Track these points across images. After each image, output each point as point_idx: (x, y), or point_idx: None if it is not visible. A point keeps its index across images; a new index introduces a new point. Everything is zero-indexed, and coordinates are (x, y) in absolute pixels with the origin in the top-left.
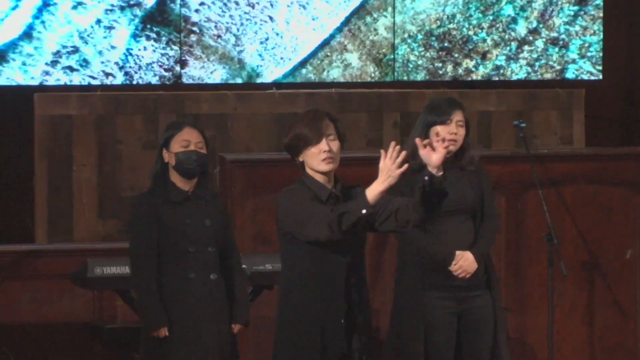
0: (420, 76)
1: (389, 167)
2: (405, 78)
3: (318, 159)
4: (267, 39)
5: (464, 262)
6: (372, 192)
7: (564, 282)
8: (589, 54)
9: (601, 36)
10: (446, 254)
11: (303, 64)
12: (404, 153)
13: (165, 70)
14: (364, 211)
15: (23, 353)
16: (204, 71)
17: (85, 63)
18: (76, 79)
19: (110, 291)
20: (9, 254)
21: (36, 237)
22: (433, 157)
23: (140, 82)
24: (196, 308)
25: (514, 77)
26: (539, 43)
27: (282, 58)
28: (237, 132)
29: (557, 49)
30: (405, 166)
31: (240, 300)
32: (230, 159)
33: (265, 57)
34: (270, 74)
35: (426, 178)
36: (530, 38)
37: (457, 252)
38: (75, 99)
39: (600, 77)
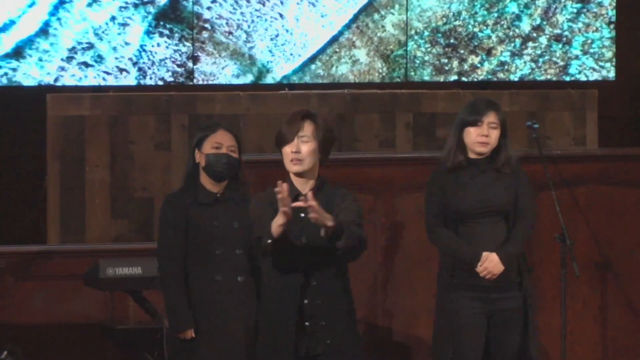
0: (427, 72)
1: (312, 212)
2: (412, 73)
3: (287, 159)
4: (277, 36)
5: (489, 263)
6: (273, 225)
7: (577, 282)
8: (591, 51)
9: (604, 33)
10: (472, 255)
11: (312, 60)
12: (284, 187)
13: (178, 66)
14: (269, 241)
15: (35, 353)
16: (215, 67)
17: (99, 59)
18: (91, 75)
19: (122, 292)
20: (21, 255)
21: (48, 237)
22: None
23: (154, 77)
24: (223, 310)
25: (518, 73)
26: (543, 40)
27: (291, 54)
28: (249, 133)
29: (560, 46)
30: (297, 204)
31: None
32: (242, 160)
33: (276, 53)
34: (280, 69)
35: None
36: (534, 35)
37: (483, 254)
38: (87, 100)
39: (604, 73)
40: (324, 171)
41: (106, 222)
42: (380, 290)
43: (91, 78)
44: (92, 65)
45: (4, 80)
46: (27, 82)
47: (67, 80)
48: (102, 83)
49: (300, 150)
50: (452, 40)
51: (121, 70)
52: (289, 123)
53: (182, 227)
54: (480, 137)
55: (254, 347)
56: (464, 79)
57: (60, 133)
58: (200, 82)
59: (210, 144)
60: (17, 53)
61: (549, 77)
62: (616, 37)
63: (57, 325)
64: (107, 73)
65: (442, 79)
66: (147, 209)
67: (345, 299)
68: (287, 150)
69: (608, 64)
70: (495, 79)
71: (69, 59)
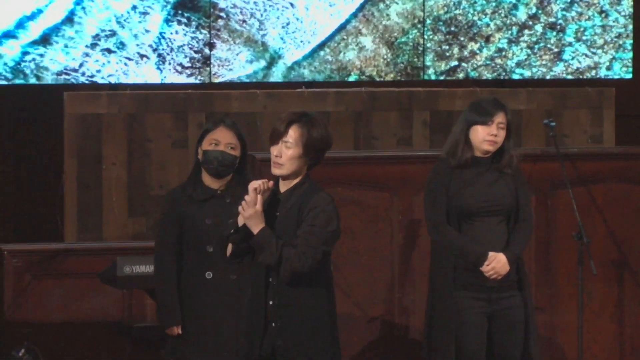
0: (429, 58)
1: (244, 207)
2: (415, 60)
3: (271, 160)
4: (288, 24)
5: (497, 263)
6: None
7: (594, 281)
8: (584, 38)
9: (596, 21)
10: (479, 254)
11: (321, 46)
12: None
13: (195, 52)
14: (231, 231)
15: (52, 351)
16: (230, 53)
17: (121, 45)
18: (113, 60)
19: (139, 290)
20: (38, 253)
21: (66, 235)
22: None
23: (172, 62)
24: (213, 308)
25: (515, 59)
26: (538, 28)
27: (301, 41)
28: (266, 131)
29: (554, 33)
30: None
31: None
32: (259, 158)
33: (287, 40)
34: (291, 55)
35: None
36: (530, 23)
37: (490, 253)
38: (105, 98)
39: (595, 59)
40: (339, 169)
41: (123, 220)
42: (397, 288)
43: (114, 63)
44: (114, 52)
45: (32, 66)
46: (54, 67)
47: (91, 65)
48: (124, 68)
49: (282, 155)
50: (452, 28)
51: (142, 56)
52: (278, 124)
53: (177, 223)
54: (490, 136)
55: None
56: (464, 64)
57: (77, 131)
58: (216, 68)
59: (208, 140)
60: (44, 40)
61: (544, 62)
62: (634, 37)
63: (74, 323)
64: (129, 59)
65: (443, 65)
66: None
67: (312, 300)
68: (272, 151)
69: (599, 50)
70: (504, 76)
71: (93, 45)
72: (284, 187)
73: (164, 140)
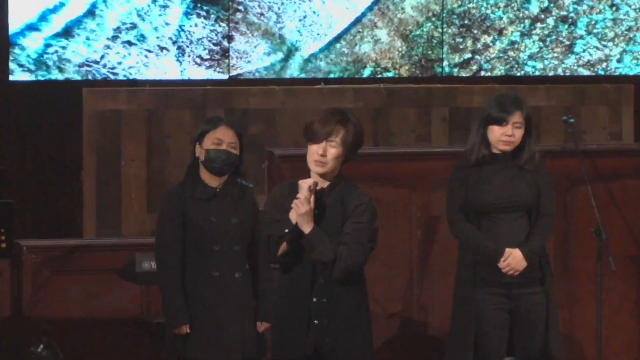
0: (445, 49)
1: (297, 205)
2: (430, 52)
3: (311, 158)
4: (305, 17)
5: (512, 259)
6: (291, 216)
7: (613, 277)
8: (595, 31)
9: (606, 15)
10: (495, 250)
11: (337, 39)
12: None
13: (214, 44)
14: (286, 230)
15: (71, 347)
16: (248, 45)
17: (142, 38)
18: (134, 52)
19: (158, 286)
20: (57, 249)
21: (84, 231)
22: (295, 211)
23: (192, 55)
24: (219, 306)
25: (527, 52)
26: (550, 21)
27: (318, 34)
28: (285, 127)
29: (566, 26)
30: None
31: (266, 299)
32: (278, 154)
33: (304, 33)
34: (307, 48)
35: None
36: (542, 16)
37: (506, 250)
38: (124, 94)
39: (606, 52)
40: (358, 166)
41: (142, 216)
42: (416, 285)
43: (134, 56)
44: (135, 44)
45: (55, 58)
46: (76, 59)
47: (112, 57)
48: (144, 61)
49: (327, 154)
50: (466, 21)
51: (162, 48)
52: (321, 123)
53: (180, 222)
54: (505, 136)
55: (251, 345)
56: (477, 56)
57: (96, 127)
58: (234, 60)
59: (211, 139)
60: (67, 32)
61: (555, 55)
62: None
63: (93, 319)
64: (149, 51)
65: (457, 57)
66: None
67: (355, 296)
68: (314, 149)
69: (610, 43)
70: (517, 72)
71: (114, 38)
72: (320, 183)
73: (183, 136)
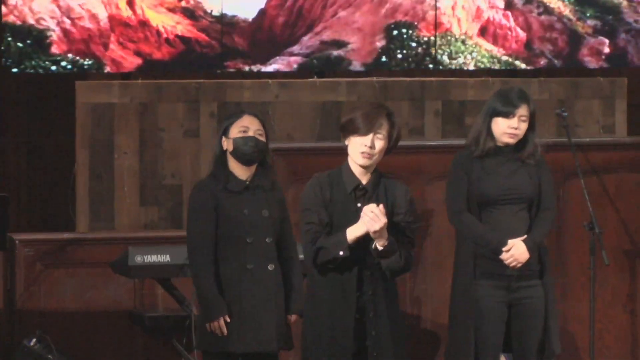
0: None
1: (374, 220)
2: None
3: (358, 150)
4: None
5: (516, 250)
6: (352, 234)
7: (606, 271)
8: None
9: None
10: (498, 241)
11: None
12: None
13: None
14: (341, 253)
15: (64, 340)
16: None
17: None
18: None
19: (151, 279)
20: (51, 242)
21: (78, 225)
22: (371, 228)
23: None
24: (254, 298)
25: None
26: None
27: None
28: (278, 121)
29: None
30: (384, 222)
31: (296, 291)
32: (272, 148)
33: None
34: None
35: (373, 248)
36: None
37: (510, 241)
38: (117, 87)
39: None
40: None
41: (135, 209)
42: (409, 278)
43: None
44: None
45: None
46: None
47: None
48: None
49: (375, 147)
50: None
51: None
52: (368, 115)
53: (212, 214)
54: (510, 129)
55: (286, 336)
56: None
57: (89, 120)
58: None
59: (237, 128)
60: None
61: None
62: None
63: (86, 313)
64: None
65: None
66: (176, 196)
67: (393, 290)
68: (360, 141)
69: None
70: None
71: None
72: (362, 177)
73: (176, 129)
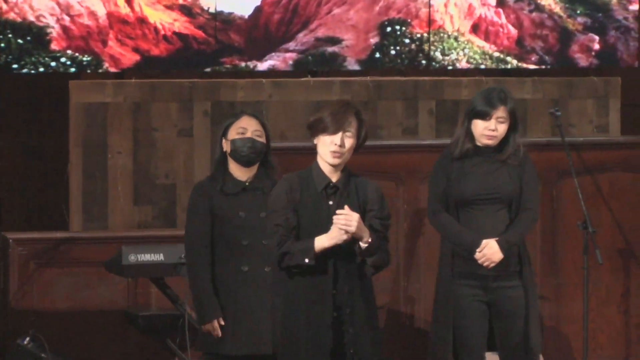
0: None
1: (347, 220)
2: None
3: (328, 149)
4: None
5: (488, 250)
6: (320, 244)
7: (600, 270)
8: None
9: None
10: (472, 241)
11: None
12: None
13: None
14: (306, 260)
15: (57, 339)
16: None
17: None
18: None
19: (145, 278)
20: (44, 241)
21: (71, 224)
22: (349, 230)
23: None
24: (250, 300)
25: None
26: None
27: None
28: (272, 120)
29: None
30: (357, 217)
31: None
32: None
33: None
34: None
35: (357, 248)
36: None
37: (483, 241)
38: (110, 86)
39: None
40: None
41: (129, 208)
42: (402, 277)
43: None
44: None
45: None
46: None
47: None
48: None
49: (345, 145)
50: None
51: None
52: (336, 114)
53: (207, 216)
54: (487, 130)
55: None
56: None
57: (82, 120)
58: None
59: (235, 129)
60: None
61: None
62: (638, 23)
63: (80, 312)
64: None
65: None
66: (170, 195)
67: (369, 286)
68: (329, 140)
69: None
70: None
71: None
72: (331, 175)
73: (170, 129)
